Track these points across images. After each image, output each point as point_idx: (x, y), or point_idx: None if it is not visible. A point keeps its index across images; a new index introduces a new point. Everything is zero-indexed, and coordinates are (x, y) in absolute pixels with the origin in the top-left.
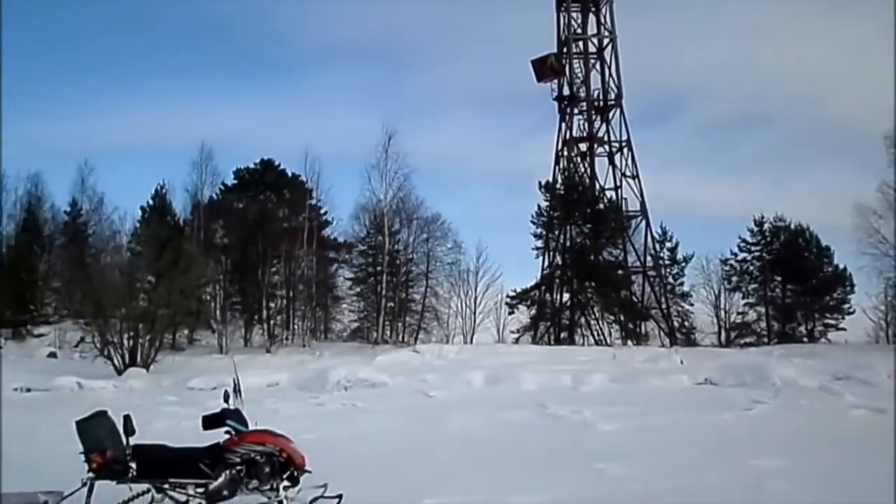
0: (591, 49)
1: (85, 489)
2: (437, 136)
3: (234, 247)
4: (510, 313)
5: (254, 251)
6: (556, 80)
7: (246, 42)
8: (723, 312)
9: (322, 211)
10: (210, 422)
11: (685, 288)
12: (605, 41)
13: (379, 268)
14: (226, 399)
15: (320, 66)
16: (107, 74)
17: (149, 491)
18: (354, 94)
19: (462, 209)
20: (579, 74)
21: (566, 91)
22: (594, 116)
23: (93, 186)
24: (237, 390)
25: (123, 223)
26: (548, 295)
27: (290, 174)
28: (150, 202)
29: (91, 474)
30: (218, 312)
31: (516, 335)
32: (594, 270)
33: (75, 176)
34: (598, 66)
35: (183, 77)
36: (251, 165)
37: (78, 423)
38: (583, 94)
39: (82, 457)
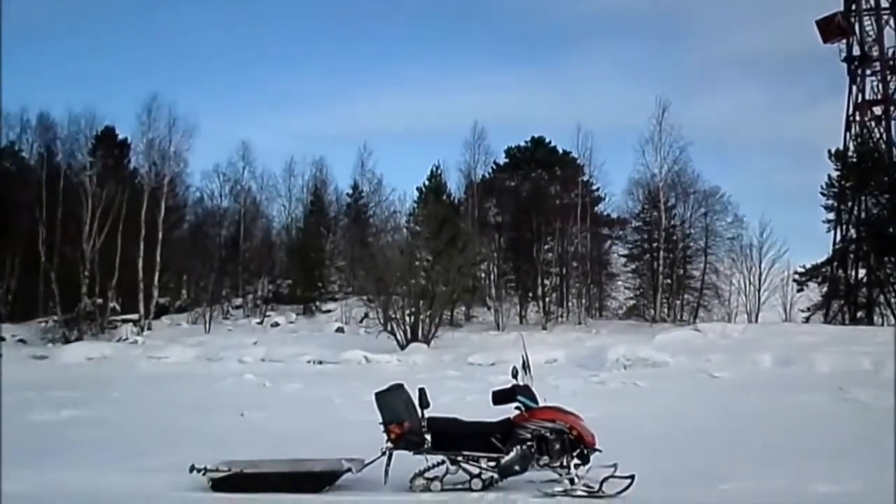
0: (884, 3)
1: (384, 458)
2: (714, 105)
3: (507, 225)
4: (799, 291)
5: (527, 229)
6: (844, 40)
7: (516, 19)
8: None
9: (594, 187)
10: (500, 397)
11: None
12: None
13: (655, 244)
14: (514, 375)
15: (591, 40)
16: (380, 60)
17: (443, 462)
18: (626, 67)
19: (742, 181)
20: (871, 32)
21: (856, 51)
22: (889, 77)
23: (372, 169)
24: (526, 366)
25: (403, 203)
26: (841, 271)
27: (561, 151)
28: (426, 182)
29: (389, 444)
30: (493, 290)
31: (806, 314)
32: (895, 244)
33: (355, 159)
34: (891, 21)
35: (455, 58)
36: (522, 144)
37: (377, 395)
38: (875, 54)
39: (366, 426)
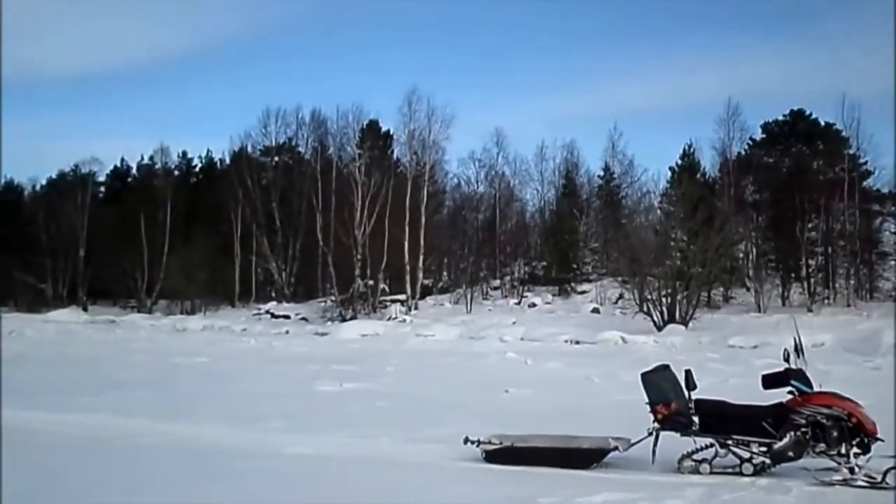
0: None
1: (651, 438)
2: None
3: (766, 203)
4: None
5: (788, 207)
6: None
7: None
8: None
9: (862, 160)
10: (772, 380)
11: None
12: None
13: None
14: (786, 358)
15: (851, 4)
16: (629, 39)
17: (712, 445)
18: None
19: None
20: None
21: None
22: None
23: (622, 150)
24: (798, 350)
25: (656, 183)
26: None
27: (823, 123)
28: (679, 162)
29: (656, 424)
30: (752, 270)
31: None
32: None
33: (606, 141)
34: None
35: (706, 32)
36: (780, 118)
37: (643, 375)
38: None
39: (628, 405)
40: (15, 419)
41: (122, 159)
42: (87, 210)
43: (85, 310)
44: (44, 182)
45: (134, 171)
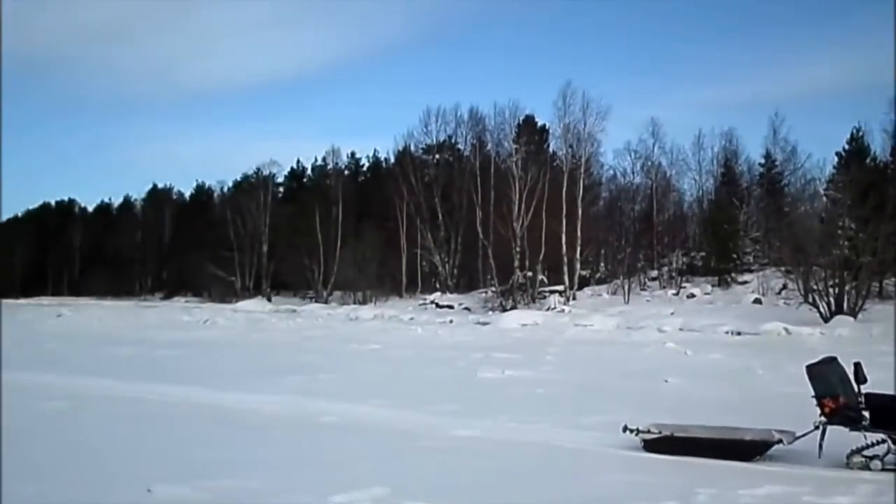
0: None
1: (817, 432)
2: None
3: None
4: None
5: None
6: None
7: None
8: None
9: None
10: None
11: None
12: None
13: None
14: None
15: None
16: (785, 24)
17: (884, 441)
18: None
19: None
20: None
21: None
22: None
23: (784, 136)
24: None
25: (822, 170)
26: None
27: None
28: (846, 146)
29: (823, 418)
30: None
31: None
32: None
33: (766, 129)
34: None
35: (871, 7)
36: None
37: (809, 367)
38: None
39: (792, 398)
40: (212, 399)
41: (298, 161)
42: (269, 209)
43: (269, 300)
44: (230, 184)
45: (308, 171)
